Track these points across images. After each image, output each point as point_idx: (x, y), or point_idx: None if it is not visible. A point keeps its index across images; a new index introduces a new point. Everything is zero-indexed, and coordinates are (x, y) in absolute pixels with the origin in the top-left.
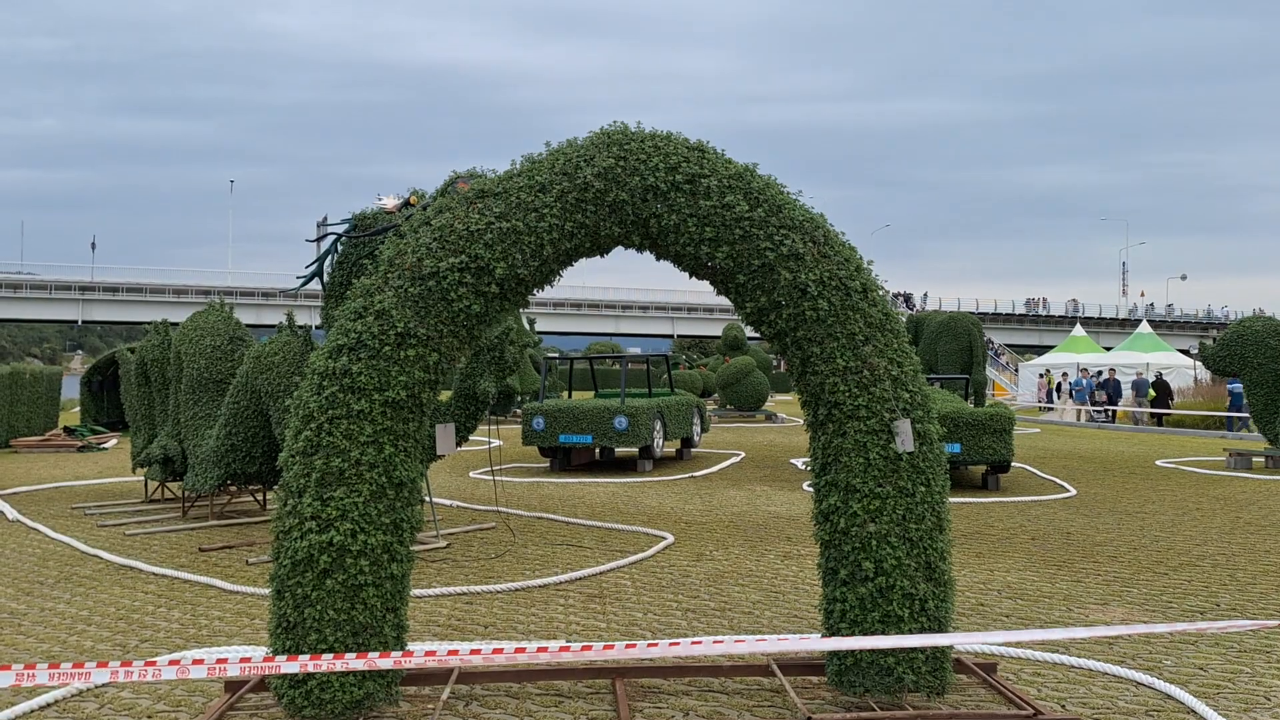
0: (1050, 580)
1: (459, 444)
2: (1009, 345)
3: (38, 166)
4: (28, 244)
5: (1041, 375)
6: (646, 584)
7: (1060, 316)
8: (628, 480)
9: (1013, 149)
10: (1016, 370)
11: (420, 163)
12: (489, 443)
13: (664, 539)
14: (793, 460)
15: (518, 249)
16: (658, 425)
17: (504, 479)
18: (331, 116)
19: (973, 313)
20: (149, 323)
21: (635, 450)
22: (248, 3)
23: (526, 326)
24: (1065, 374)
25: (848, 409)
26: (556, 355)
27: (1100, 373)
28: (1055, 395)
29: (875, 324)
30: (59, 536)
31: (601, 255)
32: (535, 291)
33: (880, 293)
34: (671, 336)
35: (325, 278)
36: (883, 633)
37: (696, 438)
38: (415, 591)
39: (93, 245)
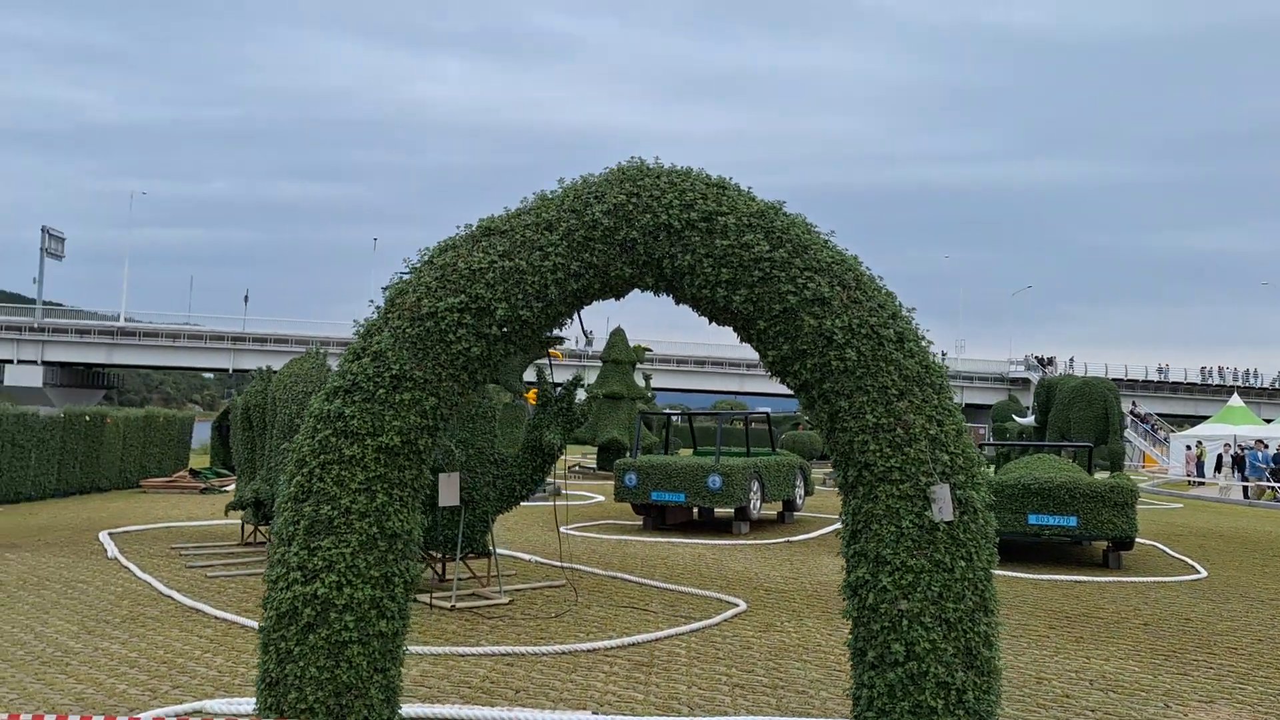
0: (1154, 671)
1: (526, 497)
2: (1161, 415)
3: (208, 225)
4: (195, 297)
5: (1190, 447)
6: (702, 654)
7: (1218, 385)
8: (719, 542)
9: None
10: (1168, 440)
11: None
12: (555, 496)
13: (735, 606)
14: None
15: (520, 289)
16: (755, 486)
17: (588, 535)
18: (474, 178)
19: (1109, 378)
20: (257, 369)
21: (730, 511)
22: (405, 74)
23: (642, 382)
24: (1226, 445)
25: (879, 471)
26: (677, 413)
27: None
28: (1203, 468)
29: (912, 377)
30: (143, 575)
31: (616, 298)
32: (555, 331)
33: (921, 343)
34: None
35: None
36: None
37: (799, 500)
38: (458, 649)
39: (245, 298)
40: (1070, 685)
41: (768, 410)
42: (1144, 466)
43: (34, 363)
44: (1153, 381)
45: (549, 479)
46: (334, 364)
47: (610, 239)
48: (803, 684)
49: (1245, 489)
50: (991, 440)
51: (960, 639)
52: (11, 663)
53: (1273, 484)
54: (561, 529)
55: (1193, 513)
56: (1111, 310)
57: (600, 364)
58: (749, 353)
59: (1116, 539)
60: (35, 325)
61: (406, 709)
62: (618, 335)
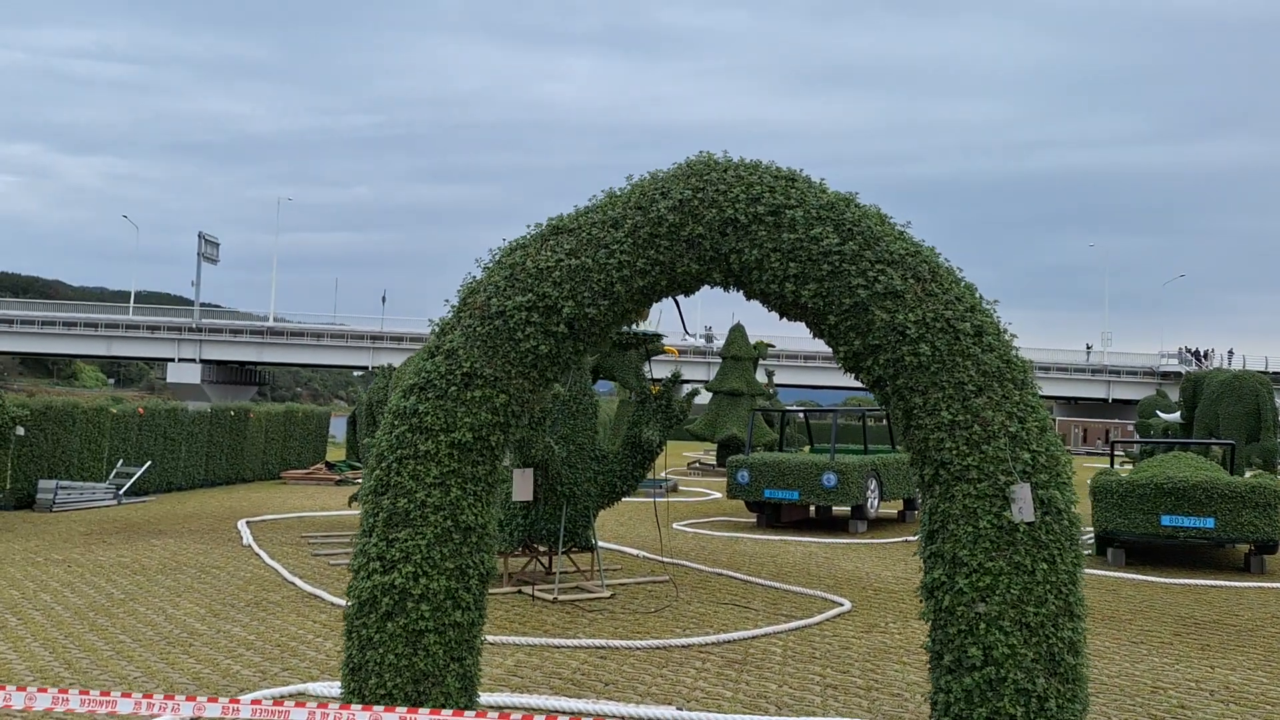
0: (1271, 681)
1: (627, 493)
2: None
3: (351, 229)
4: (340, 298)
5: None
6: (798, 653)
7: None
8: (833, 541)
9: None
10: None
11: None
12: (670, 493)
13: (840, 606)
14: None
15: (586, 287)
16: (872, 484)
17: (700, 531)
18: (600, 177)
19: (1263, 372)
20: (380, 367)
21: (848, 509)
22: (532, 75)
23: (764, 379)
24: None
25: (955, 469)
26: (802, 410)
27: None
28: None
29: (991, 372)
30: (271, 562)
31: (686, 294)
32: (626, 328)
33: (1003, 337)
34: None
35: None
36: None
37: (919, 500)
38: (553, 641)
39: (383, 299)
40: (1188, 695)
41: (868, 406)
42: None
43: (193, 361)
44: None
45: (666, 476)
46: None
47: (676, 235)
48: (899, 686)
49: None
50: (1136, 438)
51: (1042, 644)
52: (141, 642)
53: None
54: (675, 525)
55: None
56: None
57: (720, 360)
58: None
59: (1259, 542)
60: (194, 326)
61: (496, 698)
62: (737, 331)
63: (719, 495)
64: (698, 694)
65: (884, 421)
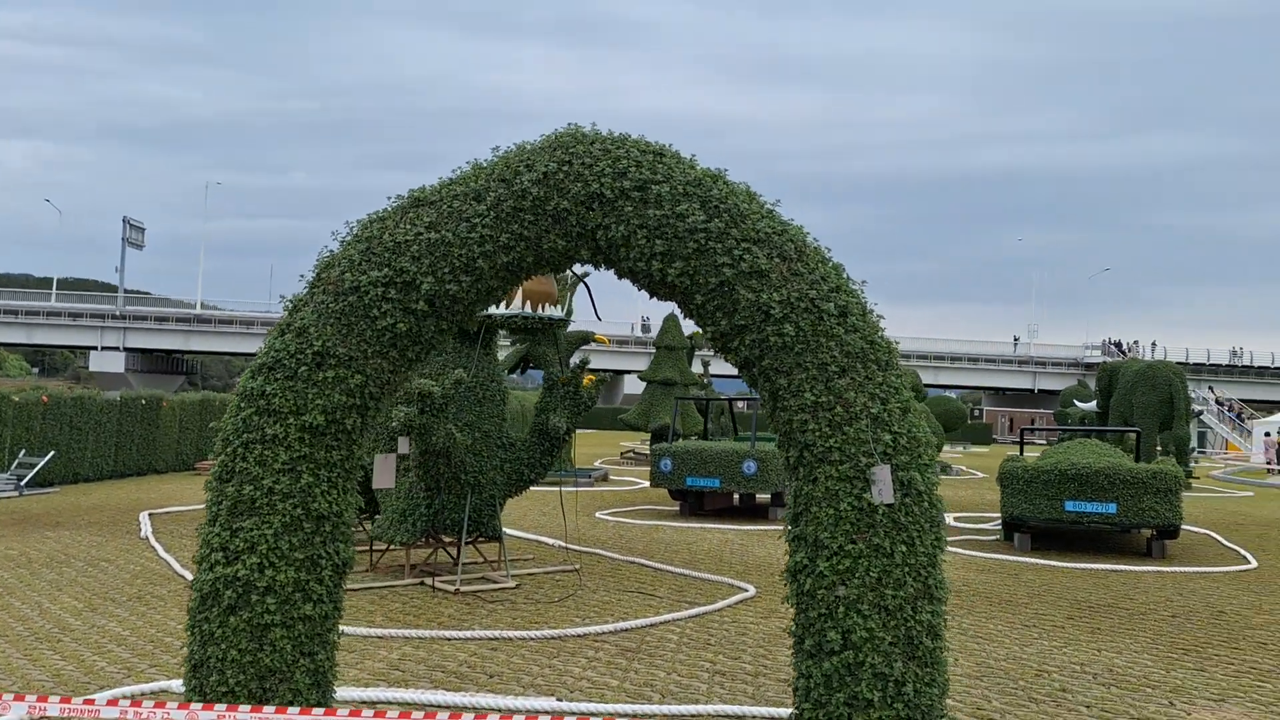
0: (1168, 666)
1: (535, 480)
2: (1246, 400)
3: (291, 216)
4: (275, 286)
5: (1269, 434)
6: (693, 640)
7: None
8: (752, 528)
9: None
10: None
11: None
12: (577, 482)
13: (744, 591)
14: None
15: (446, 262)
16: None
17: (622, 520)
18: None
19: (1181, 363)
20: None
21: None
22: (481, 64)
23: (700, 369)
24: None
25: (818, 451)
26: (727, 399)
27: None
28: None
29: (854, 353)
30: (164, 555)
31: (556, 271)
32: (483, 310)
33: (869, 317)
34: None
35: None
36: (847, 718)
37: None
38: (444, 633)
39: None
40: (1071, 678)
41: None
42: (1228, 453)
43: (116, 349)
44: (1237, 366)
45: (598, 464)
46: None
47: (540, 209)
48: (788, 671)
49: None
50: (1052, 426)
51: (900, 628)
52: (9, 638)
53: None
54: (598, 514)
55: (1263, 502)
56: (1202, 292)
57: (655, 350)
58: None
59: (1159, 527)
60: (117, 313)
61: (367, 693)
62: (670, 321)
63: (648, 484)
64: (584, 684)
65: None
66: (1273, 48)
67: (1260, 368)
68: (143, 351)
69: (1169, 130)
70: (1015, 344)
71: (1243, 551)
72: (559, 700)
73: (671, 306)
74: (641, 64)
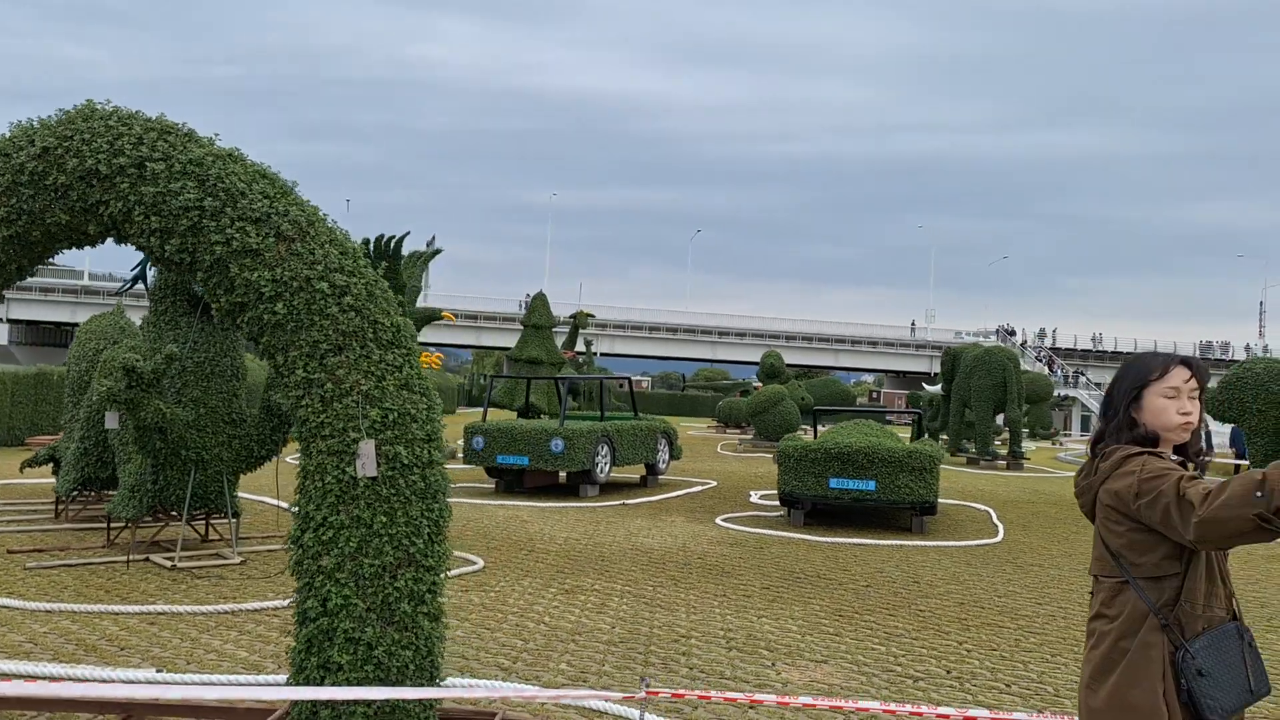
0: (808, 631)
1: (267, 457)
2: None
3: None
4: None
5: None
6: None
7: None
8: (548, 505)
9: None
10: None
11: (564, 188)
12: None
13: (472, 565)
14: (751, 493)
15: None
16: (604, 449)
17: None
18: (479, 140)
19: (1071, 349)
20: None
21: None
22: (404, 35)
23: (583, 347)
24: None
25: (312, 426)
26: (624, 380)
27: None
28: None
29: (351, 332)
30: None
31: (71, 246)
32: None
33: (380, 298)
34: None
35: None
36: (319, 682)
37: (663, 465)
38: (111, 607)
39: None
40: (703, 644)
41: (629, 376)
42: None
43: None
44: (1106, 352)
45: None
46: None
47: (40, 184)
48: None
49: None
50: (887, 407)
51: (377, 594)
52: None
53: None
54: None
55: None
56: (1115, 282)
57: (523, 329)
58: (720, 321)
59: (915, 504)
60: None
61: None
62: (539, 300)
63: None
64: (211, 656)
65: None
66: (1183, 46)
67: (1114, 353)
68: (27, 323)
69: (1077, 123)
70: (913, 329)
71: (1001, 526)
72: (158, 671)
73: (540, 285)
74: (570, 42)
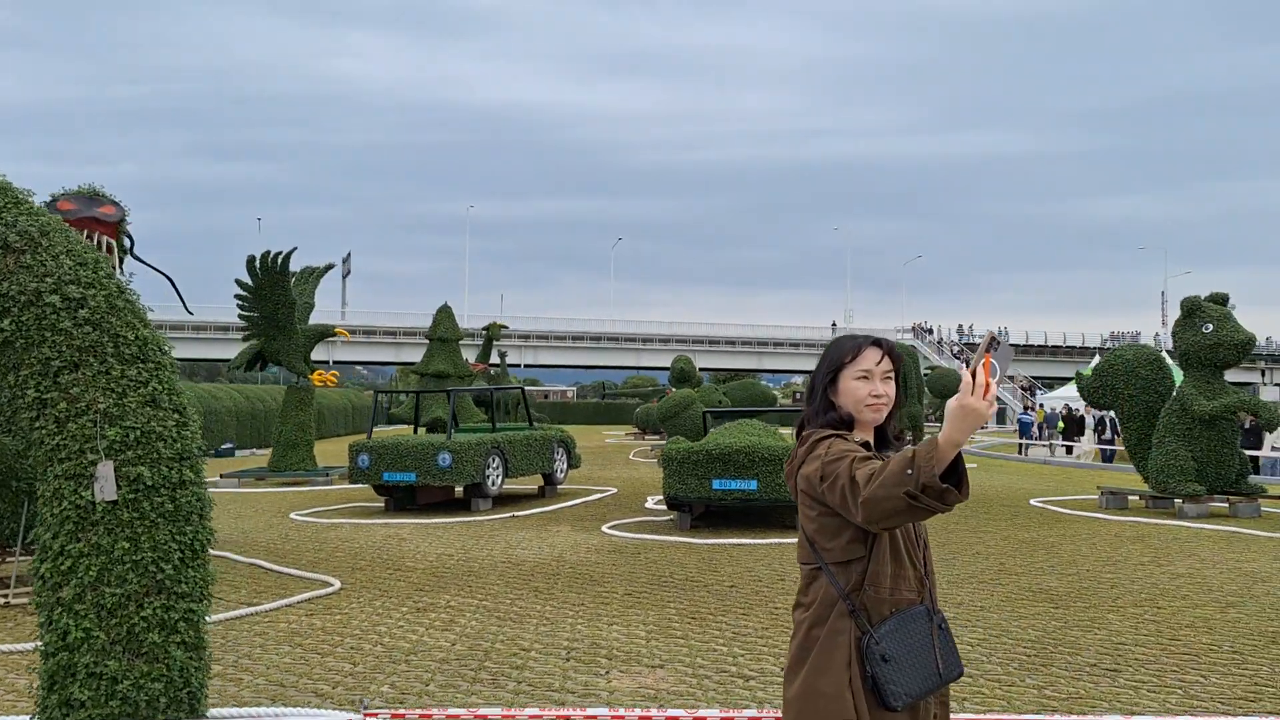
0: (654, 636)
1: None
2: (1036, 378)
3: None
4: None
5: (1028, 410)
6: (226, 639)
7: (1082, 348)
8: (433, 521)
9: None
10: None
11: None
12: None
13: (328, 587)
14: (649, 498)
15: None
16: (495, 462)
17: (317, 520)
18: (399, 155)
19: (909, 343)
20: None
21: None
22: (319, 50)
23: (496, 359)
24: (1067, 407)
25: (47, 449)
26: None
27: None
28: (1043, 430)
29: (86, 348)
30: None
31: None
32: None
33: (126, 311)
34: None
35: None
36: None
37: (560, 474)
38: None
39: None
40: (541, 655)
41: (521, 385)
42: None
43: None
44: (1033, 345)
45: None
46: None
47: None
48: (261, 669)
49: (1064, 449)
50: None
51: (121, 625)
52: None
53: (1048, 442)
54: (293, 515)
55: (977, 474)
56: (1034, 277)
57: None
58: (644, 328)
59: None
60: None
61: None
62: (443, 313)
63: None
64: (12, 696)
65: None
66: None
67: (1038, 346)
68: None
69: (987, 127)
70: (833, 329)
71: None
72: None
73: (444, 299)
74: (486, 54)
